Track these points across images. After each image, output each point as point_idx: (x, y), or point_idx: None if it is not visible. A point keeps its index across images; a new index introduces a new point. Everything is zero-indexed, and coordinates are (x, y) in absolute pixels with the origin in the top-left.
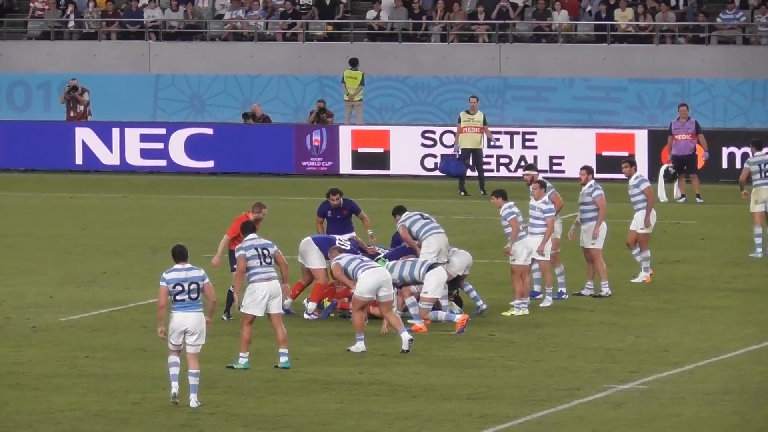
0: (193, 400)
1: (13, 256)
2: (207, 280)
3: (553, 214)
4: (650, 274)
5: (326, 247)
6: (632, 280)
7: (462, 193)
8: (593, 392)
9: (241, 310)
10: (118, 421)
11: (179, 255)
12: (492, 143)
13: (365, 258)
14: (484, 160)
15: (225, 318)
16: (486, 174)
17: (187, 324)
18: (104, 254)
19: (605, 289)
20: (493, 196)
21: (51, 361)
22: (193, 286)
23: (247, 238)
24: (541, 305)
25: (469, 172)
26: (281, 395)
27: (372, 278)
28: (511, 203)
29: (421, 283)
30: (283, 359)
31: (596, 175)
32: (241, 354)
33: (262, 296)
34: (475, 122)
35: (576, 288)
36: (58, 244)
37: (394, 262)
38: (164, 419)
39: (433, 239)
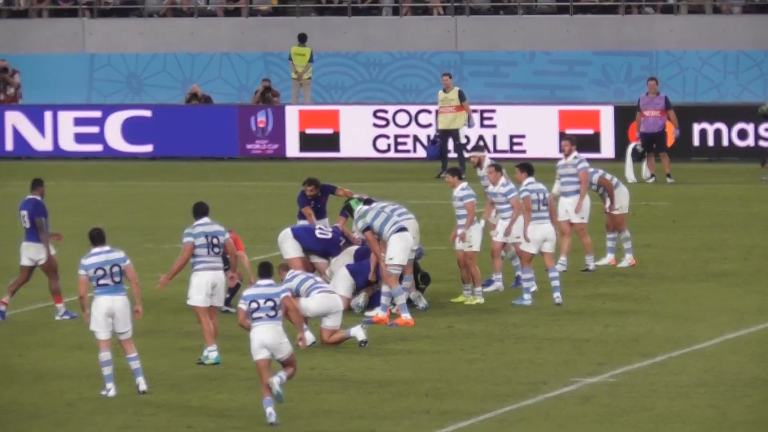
0: (142, 383)
1: None
2: (128, 261)
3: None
4: (613, 261)
5: (305, 237)
6: (618, 266)
7: (440, 175)
8: (559, 386)
9: (189, 303)
10: (54, 423)
11: (97, 238)
12: (471, 123)
13: (319, 279)
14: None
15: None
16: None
17: (115, 308)
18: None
19: (591, 264)
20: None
21: None
22: (116, 268)
23: (197, 223)
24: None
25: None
26: (227, 394)
27: (324, 303)
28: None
29: (384, 241)
30: (207, 354)
31: (558, 155)
32: (208, 348)
33: (205, 286)
34: (449, 101)
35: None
36: None
37: (368, 207)
38: (103, 420)
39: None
